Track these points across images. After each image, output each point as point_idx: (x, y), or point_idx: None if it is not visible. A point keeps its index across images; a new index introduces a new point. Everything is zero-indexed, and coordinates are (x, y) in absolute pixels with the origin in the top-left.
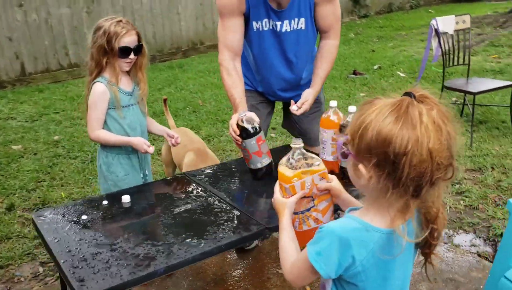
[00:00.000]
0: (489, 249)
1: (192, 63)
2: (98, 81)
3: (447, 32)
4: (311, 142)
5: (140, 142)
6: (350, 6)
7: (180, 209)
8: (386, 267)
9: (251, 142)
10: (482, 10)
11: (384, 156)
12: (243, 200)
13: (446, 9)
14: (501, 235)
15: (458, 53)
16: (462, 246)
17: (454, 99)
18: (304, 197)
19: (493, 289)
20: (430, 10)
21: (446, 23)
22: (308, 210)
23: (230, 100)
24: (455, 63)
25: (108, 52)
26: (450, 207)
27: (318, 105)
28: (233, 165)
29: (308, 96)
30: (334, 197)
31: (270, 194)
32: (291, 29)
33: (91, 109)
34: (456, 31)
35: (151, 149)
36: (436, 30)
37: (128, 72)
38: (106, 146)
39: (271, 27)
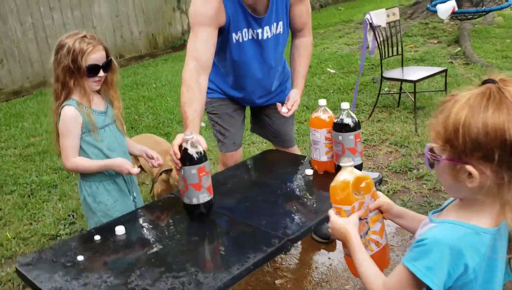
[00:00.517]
0: None
1: None
2: (67, 104)
3: (380, 25)
4: (286, 144)
5: (121, 163)
6: None
7: (186, 233)
8: (491, 267)
9: (191, 171)
10: (389, 4)
11: (501, 147)
12: (248, 213)
13: (355, 5)
14: None
15: (392, 44)
16: None
17: (386, 89)
18: (360, 219)
19: None
20: (340, 8)
21: (379, 16)
22: (366, 233)
23: (183, 118)
24: (390, 54)
25: (75, 72)
26: (415, 192)
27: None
28: (218, 178)
29: (295, 96)
30: (385, 213)
31: (273, 201)
32: (272, 34)
33: (64, 136)
34: (388, 23)
35: (135, 170)
36: (370, 24)
37: (98, 91)
38: (87, 175)
39: (250, 37)
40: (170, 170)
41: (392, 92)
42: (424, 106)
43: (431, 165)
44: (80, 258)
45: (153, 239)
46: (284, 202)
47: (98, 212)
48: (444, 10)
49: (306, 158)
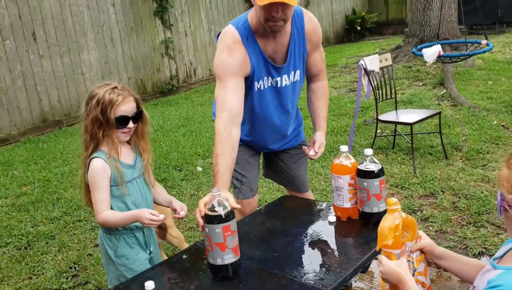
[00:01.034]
0: None
1: None
2: (96, 157)
3: (374, 70)
4: (300, 189)
5: (142, 213)
6: None
7: (218, 287)
8: None
9: (215, 230)
10: (370, 48)
11: None
12: (278, 264)
13: (336, 50)
14: (479, 253)
15: (386, 88)
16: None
17: (379, 131)
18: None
19: None
20: None
21: (372, 62)
22: (413, 275)
23: (213, 170)
24: (384, 97)
25: (104, 124)
26: None
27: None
28: (237, 226)
29: (321, 138)
30: (428, 254)
31: (302, 251)
32: (289, 82)
33: (94, 190)
34: (381, 68)
35: (160, 217)
36: (365, 69)
37: (129, 142)
38: (108, 228)
39: (270, 84)
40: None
41: (385, 134)
42: (419, 147)
43: (505, 211)
44: None
45: None
46: (312, 251)
47: (120, 265)
48: (430, 54)
49: (325, 204)
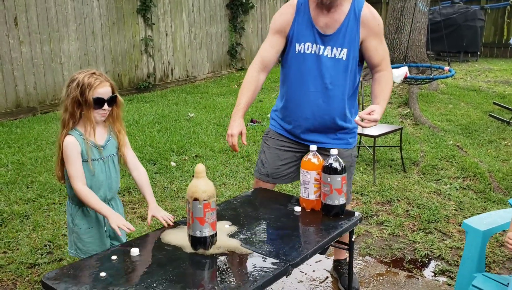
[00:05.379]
0: (419, 270)
1: None
2: (69, 134)
3: None
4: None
5: (114, 219)
6: (228, 59)
7: (197, 255)
8: None
9: (197, 206)
10: None
11: None
12: (249, 241)
13: None
14: (425, 255)
15: None
16: (399, 268)
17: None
18: None
19: None
20: None
21: None
22: None
23: (236, 102)
24: None
25: (82, 104)
26: (377, 236)
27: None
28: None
29: (374, 107)
30: None
31: (270, 232)
32: (332, 55)
33: (67, 163)
34: None
35: (130, 227)
36: None
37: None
38: (74, 197)
39: (313, 51)
40: None
41: None
42: (380, 159)
43: None
44: (102, 274)
45: (167, 260)
46: (280, 233)
47: (73, 233)
48: (398, 74)
49: (293, 197)
